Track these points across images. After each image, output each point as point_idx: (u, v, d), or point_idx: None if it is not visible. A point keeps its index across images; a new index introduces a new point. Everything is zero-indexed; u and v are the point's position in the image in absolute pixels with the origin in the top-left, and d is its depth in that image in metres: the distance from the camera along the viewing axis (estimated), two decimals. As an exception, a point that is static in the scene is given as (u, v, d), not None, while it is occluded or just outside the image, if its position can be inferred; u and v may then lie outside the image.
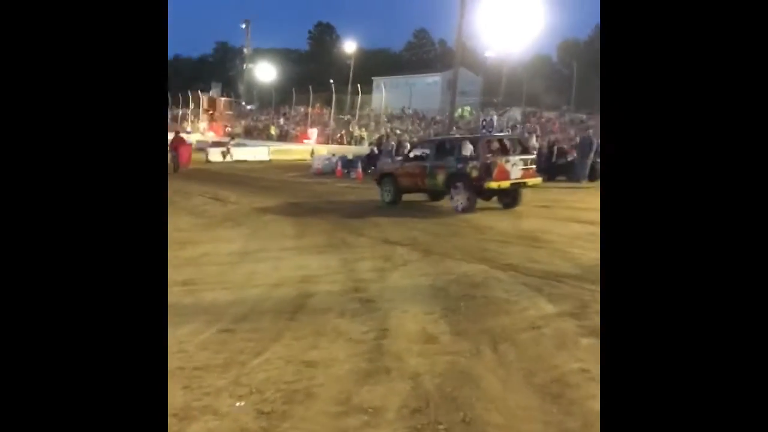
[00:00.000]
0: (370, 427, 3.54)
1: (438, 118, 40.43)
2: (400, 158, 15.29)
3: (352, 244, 9.29)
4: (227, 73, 74.47)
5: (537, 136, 25.32)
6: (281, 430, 3.48)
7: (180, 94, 55.23)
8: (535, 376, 4.24)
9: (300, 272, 7.37)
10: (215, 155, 31.16)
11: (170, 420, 3.48)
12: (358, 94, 46.46)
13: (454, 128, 29.75)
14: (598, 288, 3.71)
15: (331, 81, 48.73)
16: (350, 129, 42.48)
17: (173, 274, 7.06)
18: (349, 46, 53.98)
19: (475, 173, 12.30)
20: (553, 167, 20.41)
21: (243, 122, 51.94)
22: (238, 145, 36.56)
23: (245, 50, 56.59)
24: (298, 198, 15.55)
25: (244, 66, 56.66)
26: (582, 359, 4.45)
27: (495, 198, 13.09)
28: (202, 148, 35.24)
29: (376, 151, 24.23)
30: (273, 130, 45.34)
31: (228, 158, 30.87)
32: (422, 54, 76.40)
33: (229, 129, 49.51)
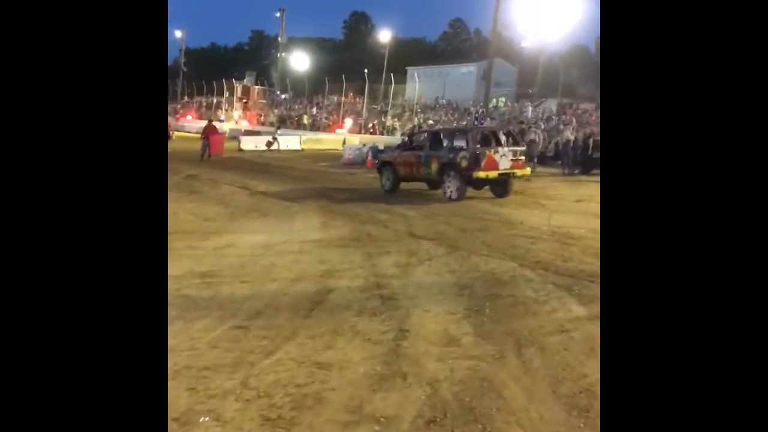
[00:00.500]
0: (381, 440, 3.32)
1: (472, 108, 39.92)
2: (398, 148, 15.89)
3: (377, 237, 9.06)
4: (262, 62, 74.69)
5: (573, 128, 24.76)
6: (286, 440, 3.29)
7: (215, 83, 55.50)
8: (562, 386, 3.98)
9: (321, 266, 7.17)
10: (248, 144, 31.17)
11: (171, 425, 3.30)
12: (392, 83, 46.13)
13: (488, 119, 29.24)
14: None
15: (365, 70, 48.34)
16: (383, 119, 42.17)
17: (194, 266, 6.94)
18: (384, 36, 53.52)
19: (464, 163, 12.98)
20: (589, 160, 19.90)
21: (276, 111, 51.95)
22: (269, 134, 36.57)
23: (280, 39, 56.52)
24: (326, 188, 15.37)
25: (279, 55, 56.62)
26: (612, 368, 4.16)
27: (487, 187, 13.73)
28: (235, 136, 35.33)
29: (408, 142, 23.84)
30: (306, 120, 45.26)
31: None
32: (457, 44, 75.67)
33: (264, 118, 49.60)
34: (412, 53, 63.36)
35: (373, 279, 6.64)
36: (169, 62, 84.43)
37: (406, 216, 10.97)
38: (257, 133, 37.51)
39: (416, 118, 39.54)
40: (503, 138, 14.12)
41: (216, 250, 7.97)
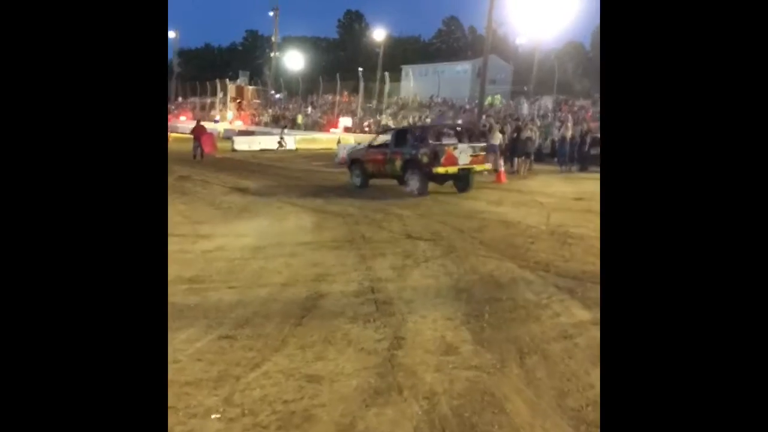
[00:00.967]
0: (374, 463, 3.07)
1: (467, 106, 39.64)
2: (365, 146, 16.45)
3: (371, 238, 8.79)
4: (256, 62, 74.28)
5: (569, 125, 24.52)
6: (271, 464, 3.03)
7: (208, 83, 55.15)
8: (568, 398, 3.72)
9: (314, 270, 6.90)
10: (241, 144, 30.84)
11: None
12: (386, 82, 45.82)
13: (484, 116, 28.98)
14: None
15: (360, 69, 48.05)
16: (378, 118, 41.88)
17: (181, 271, 6.67)
18: (379, 34, 53.20)
19: (425, 159, 13.49)
20: (587, 157, 19.68)
21: (270, 111, 51.60)
22: (263, 133, 36.25)
23: (273, 38, 56.17)
24: (320, 188, 15.10)
25: (272, 54, 56.25)
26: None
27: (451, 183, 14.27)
28: (229, 137, 35.00)
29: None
30: (300, 119, 44.94)
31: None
32: (452, 42, 75.39)
33: (258, 118, 49.25)
34: (407, 52, 63.13)
35: (367, 283, 6.38)
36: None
37: (402, 216, 10.71)
38: (251, 133, 37.19)
39: (411, 117, 39.25)
40: (462, 133, 14.92)
41: (205, 254, 7.70)
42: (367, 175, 15.12)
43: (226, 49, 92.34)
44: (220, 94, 54.04)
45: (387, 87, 45.96)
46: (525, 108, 35.55)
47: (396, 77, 49.69)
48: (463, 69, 52.36)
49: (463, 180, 14.10)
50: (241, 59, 78.55)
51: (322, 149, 31.94)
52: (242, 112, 51.30)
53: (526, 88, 41.21)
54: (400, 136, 15.15)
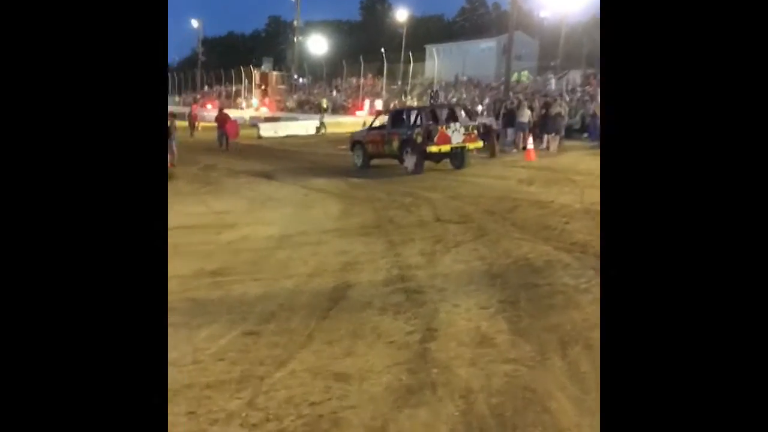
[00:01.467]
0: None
1: (493, 84, 38.98)
2: (365, 128, 17.01)
3: (400, 223, 8.53)
4: (279, 48, 74.07)
5: (598, 100, 23.86)
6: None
7: (233, 71, 55.12)
8: (616, 393, 3.43)
9: (341, 258, 6.68)
10: (267, 131, 30.70)
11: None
12: (410, 62, 45.27)
13: (511, 94, 28.41)
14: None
15: (383, 50, 47.51)
16: (403, 99, 41.41)
17: (205, 264, 6.50)
18: (401, 15, 52.55)
19: (419, 139, 14.07)
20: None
21: (295, 96, 51.38)
22: (288, 119, 36.09)
23: (295, 23, 55.81)
24: (346, 172, 14.87)
25: (295, 39, 55.93)
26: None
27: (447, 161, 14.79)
28: (254, 123, 34.88)
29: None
30: (325, 103, 44.64)
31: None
32: (476, 19, 74.21)
33: (283, 103, 49.08)
34: (431, 31, 62.28)
35: (396, 271, 6.13)
36: (188, 52, 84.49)
37: (431, 199, 10.41)
38: (277, 120, 37.02)
39: (436, 97, 38.71)
40: (457, 112, 15.67)
41: (229, 245, 7.51)
42: (367, 155, 15.62)
43: (249, 36, 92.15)
44: (245, 81, 53.98)
45: (411, 67, 45.38)
46: (553, 83, 34.80)
47: (420, 57, 49.04)
48: (487, 46, 51.43)
49: (457, 157, 14.60)
50: (264, 46, 78.31)
51: (347, 133, 31.66)
52: (267, 99, 51.13)
53: (553, 63, 40.35)
54: (397, 117, 15.82)
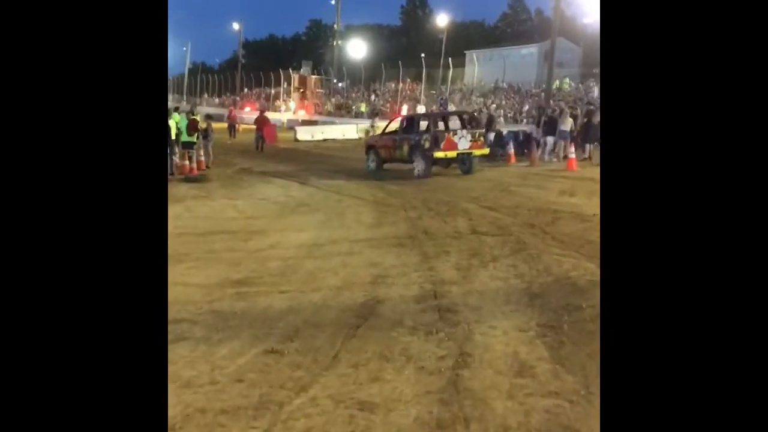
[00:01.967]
0: None
1: (534, 91, 38.38)
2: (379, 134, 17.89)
3: (435, 234, 8.21)
4: (319, 51, 74.34)
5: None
6: None
7: (272, 74, 55.39)
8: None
9: (371, 270, 6.39)
10: (304, 134, 30.65)
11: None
12: (450, 68, 44.88)
13: (552, 101, 27.87)
14: None
15: (423, 55, 47.20)
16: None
17: (230, 272, 6.28)
18: (442, 20, 52.22)
19: (427, 144, 14.77)
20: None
21: (333, 100, 51.36)
22: (325, 123, 36.01)
23: (335, 27, 55.86)
24: (381, 178, 14.60)
25: (335, 43, 55.97)
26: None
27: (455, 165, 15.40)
28: (292, 126, 34.89)
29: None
30: (363, 108, 44.50)
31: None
32: (517, 25, 73.48)
33: (322, 107, 49.08)
34: (471, 37, 61.87)
35: (429, 286, 5.82)
36: (229, 54, 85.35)
37: (467, 209, 10.07)
38: (314, 123, 36.99)
39: (475, 103, 38.27)
40: (465, 119, 16.47)
41: (257, 252, 7.28)
42: (380, 159, 16.31)
43: (290, 40, 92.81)
44: (283, 84, 54.18)
45: (450, 72, 44.98)
46: (596, 91, 34.08)
47: (460, 63, 48.63)
48: (529, 52, 50.81)
49: (466, 163, 15.25)
50: (304, 49, 78.70)
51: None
52: (305, 102, 51.21)
53: (596, 70, 39.59)
54: (407, 123, 16.38)
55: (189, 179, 14.22)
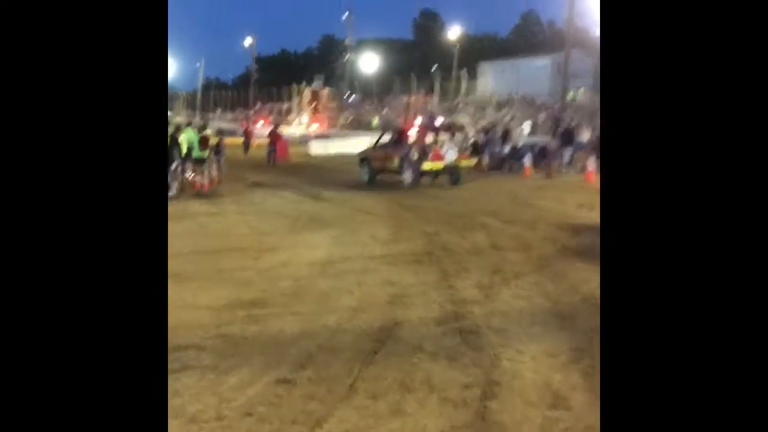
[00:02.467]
0: None
1: (548, 102, 38.04)
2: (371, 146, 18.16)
3: (453, 250, 7.90)
4: (331, 65, 74.46)
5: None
6: None
7: (285, 88, 55.50)
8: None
9: (388, 290, 6.09)
10: (317, 148, 30.45)
11: None
12: (462, 80, 44.69)
13: (567, 112, 27.52)
14: None
15: (435, 67, 47.04)
16: (453, 116, 40.79)
17: (241, 293, 6.00)
18: (454, 33, 52.07)
19: (415, 156, 15.46)
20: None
21: (346, 114, 51.26)
22: (338, 136, 35.81)
23: (347, 41, 55.91)
24: (396, 193, 14.33)
25: (346, 57, 56.00)
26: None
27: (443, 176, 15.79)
28: (305, 141, 34.73)
29: (483, 140, 22.34)
30: (375, 121, 44.34)
31: None
32: (529, 37, 73.28)
33: (334, 121, 48.98)
34: (484, 49, 61.59)
35: (449, 306, 5.52)
36: (241, 70, 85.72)
37: (485, 224, 9.76)
38: (327, 137, 36.81)
39: (488, 115, 37.98)
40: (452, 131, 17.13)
41: (269, 271, 6.98)
42: (373, 171, 16.76)
43: (302, 55, 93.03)
44: (297, 99, 54.19)
45: (464, 85, 44.74)
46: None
47: (473, 75, 48.42)
48: (542, 64, 50.41)
49: (454, 174, 15.73)
50: (317, 64, 78.75)
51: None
52: (318, 116, 51.15)
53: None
54: (397, 136, 17.01)
55: (200, 195, 14.00)
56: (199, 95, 66.29)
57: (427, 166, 15.33)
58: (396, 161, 15.92)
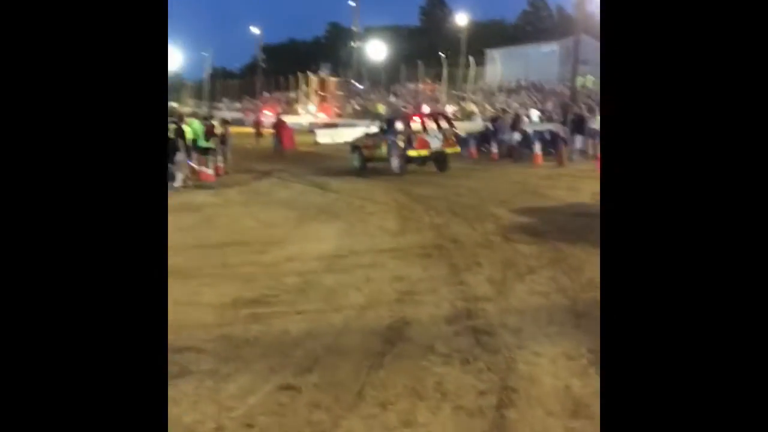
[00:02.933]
0: None
1: (557, 89, 37.59)
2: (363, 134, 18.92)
3: (463, 243, 7.65)
4: (338, 54, 74.09)
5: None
6: None
7: (291, 77, 55.21)
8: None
9: (397, 285, 5.85)
10: (324, 137, 30.22)
11: None
12: (470, 66, 44.23)
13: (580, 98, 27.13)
14: None
15: (441, 54, 46.52)
16: (461, 105, 40.37)
17: (244, 290, 5.79)
18: (461, 19, 51.52)
19: (401, 143, 15.86)
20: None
21: (353, 102, 50.91)
22: (345, 125, 35.54)
23: (354, 29, 55.47)
24: (404, 182, 14.08)
25: (353, 45, 55.57)
26: None
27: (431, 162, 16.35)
28: (312, 130, 34.47)
29: (492, 128, 21.99)
30: (381, 109, 43.97)
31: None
32: (537, 23, 72.55)
33: (341, 110, 48.68)
34: (491, 35, 60.95)
35: (461, 303, 5.28)
36: (248, 59, 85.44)
37: (496, 215, 9.51)
38: (335, 126, 36.53)
39: (497, 103, 37.58)
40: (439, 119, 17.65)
41: (274, 266, 6.76)
42: (363, 158, 17.19)
43: (309, 43, 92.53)
44: (304, 88, 53.91)
45: (472, 72, 44.27)
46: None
47: (480, 62, 47.93)
48: (550, 50, 49.82)
49: (440, 161, 16.31)
50: (324, 52, 78.28)
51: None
52: (325, 105, 50.84)
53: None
54: (386, 125, 17.34)
55: (206, 186, 13.78)
56: (205, 85, 66.03)
57: (413, 152, 15.79)
58: (384, 149, 16.42)
